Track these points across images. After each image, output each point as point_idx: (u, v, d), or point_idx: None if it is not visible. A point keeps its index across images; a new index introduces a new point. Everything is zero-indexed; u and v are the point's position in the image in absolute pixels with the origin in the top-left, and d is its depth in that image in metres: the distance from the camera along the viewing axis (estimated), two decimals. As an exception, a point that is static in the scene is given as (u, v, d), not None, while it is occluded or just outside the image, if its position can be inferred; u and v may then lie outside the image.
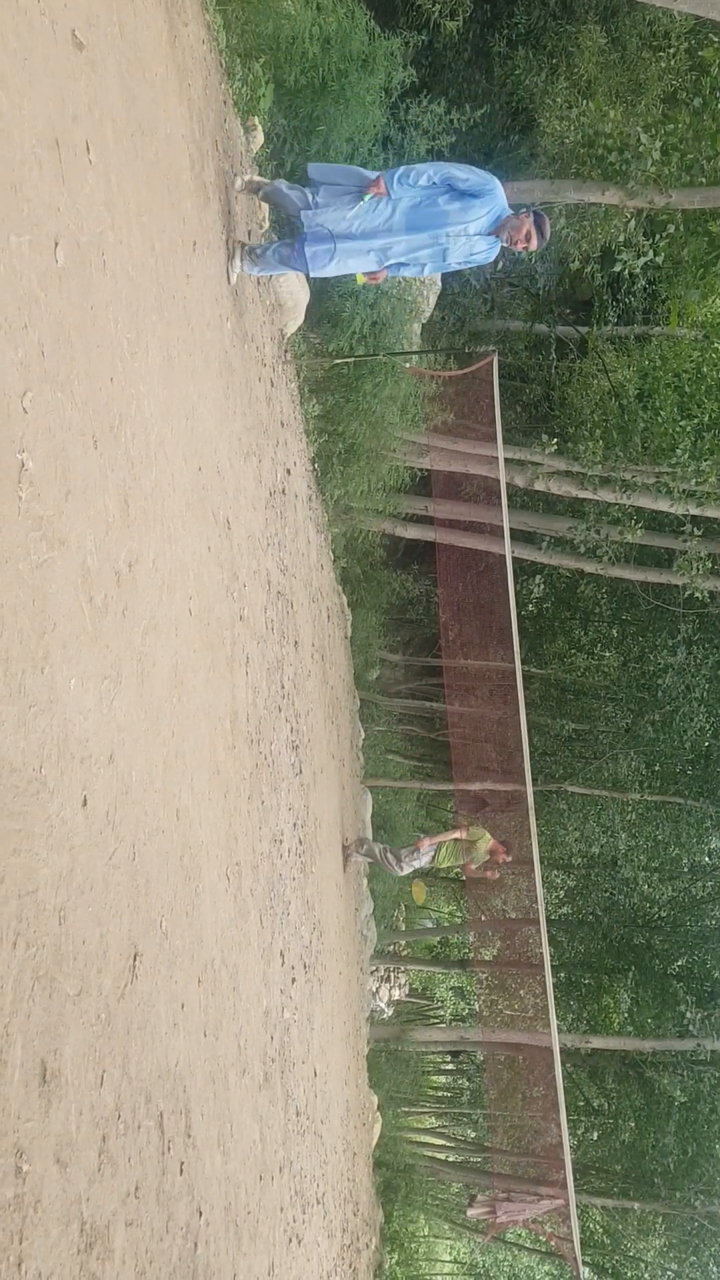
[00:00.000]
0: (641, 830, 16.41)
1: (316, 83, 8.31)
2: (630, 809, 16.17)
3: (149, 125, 4.48)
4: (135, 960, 3.42)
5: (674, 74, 11.37)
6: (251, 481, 6.82)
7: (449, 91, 11.84)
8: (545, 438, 12.33)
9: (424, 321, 13.38)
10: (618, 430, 13.16)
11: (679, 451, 12.00)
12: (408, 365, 11.32)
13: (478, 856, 11.31)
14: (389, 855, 11.72)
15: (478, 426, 12.36)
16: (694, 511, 12.30)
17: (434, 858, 11.60)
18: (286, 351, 9.22)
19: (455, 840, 11.59)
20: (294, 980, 6.92)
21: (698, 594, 12.95)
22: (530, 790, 11.68)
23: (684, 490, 12.20)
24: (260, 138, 7.59)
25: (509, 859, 11.51)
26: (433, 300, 13.60)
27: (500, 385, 11.29)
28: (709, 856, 16.81)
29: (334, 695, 12.12)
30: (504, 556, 11.57)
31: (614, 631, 16.97)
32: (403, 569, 18.17)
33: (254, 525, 6.79)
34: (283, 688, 7.55)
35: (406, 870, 11.85)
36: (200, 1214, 4.06)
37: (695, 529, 12.40)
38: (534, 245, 5.57)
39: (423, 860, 11.64)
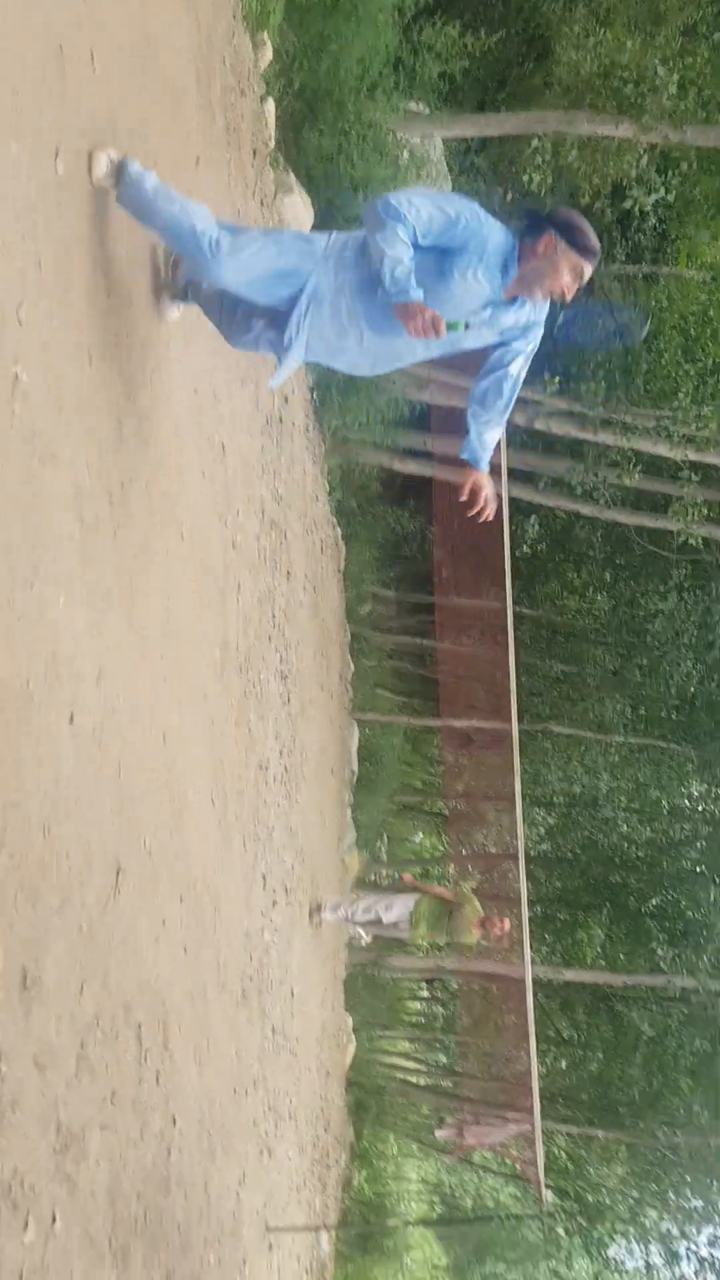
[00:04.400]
0: (623, 772, 16.59)
1: (329, -1, 8.08)
2: (613, 751, 16.33)
3: (154, 37, 4.37)
4: (118, 876, 3.48)
5: (695, 5, 11.05)
6: (248, 406, 6.77)
7: (464, 15, 11.50)
8: (547, 376, 12.20)
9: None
10: (620, 371, 13.03)
11: (680, 395, 11.90)
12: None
13: (462, 932, 9.99)
14: (362, 917, 10.40)
15: (479, 360, 12.21)
16: (692, 457, 12.24)
17: (411, 922, 10.19)
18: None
19: (438, 897, 10.33)
20: (275, 904, 7.04)
21: (692, 540, 12.94)
22: (516, 729, 11.78)
23: (684, 435, 12.12)
24: (269, 55, 7.39)
25: (504, 931, 10.11)
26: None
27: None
28: (688, 800, 17.04)
29: (325, 628, 12.15)
30: (500, 495, 11.54)
31: (606, 575, 16.97)
32: (399, 505, 18.09)
33: (249, 452, 6.75)
34: (274, 617, 7.57)
35: (371, 934, 10.70)
36: (175, 1123, 4.18)
37: (693, 475, 12.35)
38: (586, 275, 3.39)
39: (397, 920, 10.26)
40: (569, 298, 3.34)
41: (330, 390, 10.76)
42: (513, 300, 3.46)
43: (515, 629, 11.88)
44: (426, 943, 10.12)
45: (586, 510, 13.98)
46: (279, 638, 7.79)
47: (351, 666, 15.74)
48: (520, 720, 12.70)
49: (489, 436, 3.72)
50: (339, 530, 14.49)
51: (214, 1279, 4.77)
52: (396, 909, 10.28)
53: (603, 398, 12.11)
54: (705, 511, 12.67)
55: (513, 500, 13.22)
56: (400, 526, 18.03)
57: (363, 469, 13.64)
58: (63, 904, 2.96)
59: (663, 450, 12.39)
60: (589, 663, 17.19)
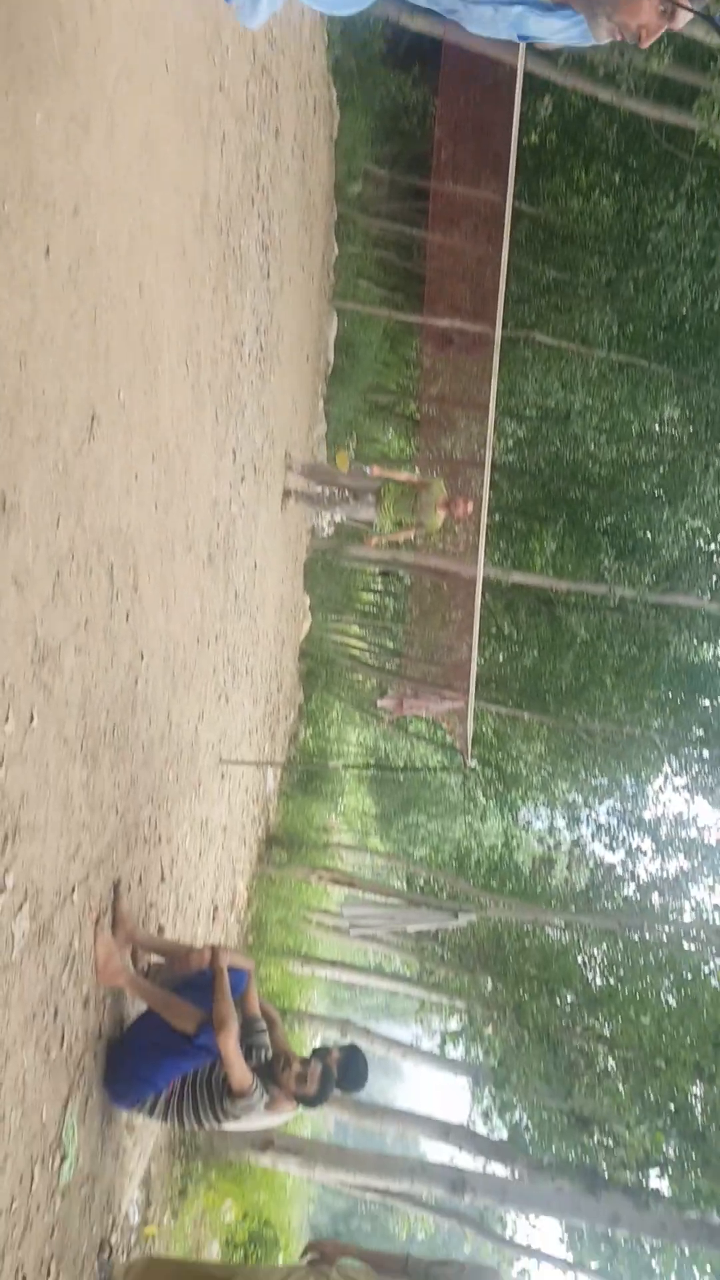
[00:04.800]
0: (599, 390, 16.45)
1: None
2: (593, 366, 16.08)
3: None
4: (93, 422, 3.56)
5: None
6: None
7: None
8: None
9: None
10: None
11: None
12: None
13: (428, 512, 9.97)
14: (330, 499, 10.43)
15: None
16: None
17: (377, 506, 10.14)
18: None
19: (404, 482, 10.26)
20: (243, 479, 7.22)
21: (712, 142, 11.99)
22: (499, 334, 11.50)
23: (725, 14, 10.87)
24: None
25: (467, 513, 10.20)
26: None
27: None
28: (659, 424, 17.07)
29: (311, 201, 11.43)
30: (515, 69, 10.44)
31: (616, 176, 15.79)
32: (402, 69, 16.32)
33: (243, -24, 6.01)
34: (258, 178, 7.11)
35: (337, 518, 10.67)
36: (142, 658, 4.57)
37: (725, 64, 11.23)
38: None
39: (366, 505, 10.24)
40: (644, 44, 2.13)
41: None
42: (555, 7, 2.23)
43: (512, 227, 11.23)
44: (392, 523, 10.11)
45: (606, 96, 12.77)
46: (262, 203, 7.37)
47: (336, 250, 14.98)
48: (504, 325, 12.37)
49: None
50: (335, 92, 13.21)
51: (172, 792, 5.44)
52: (368, 506, 10.35)
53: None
54: (730, 111, 11.65)
55: (527, 76, 11.99)
56: (401, 95, 16.40)
57: (367, 21, 12.19)
58: (39, 438, 3.05)
59: (698, 33, 11.15)
60: (582, 271, 16.45)
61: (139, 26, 3.76)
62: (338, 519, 10.78)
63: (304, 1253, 4.90)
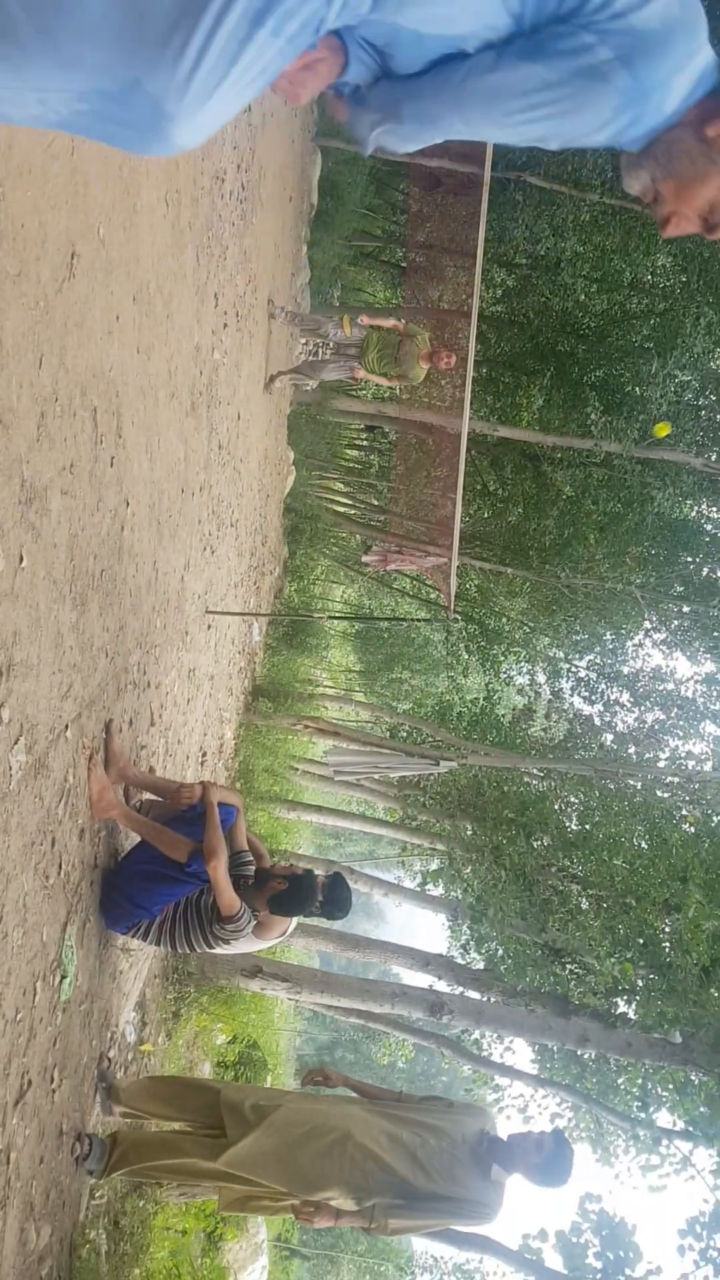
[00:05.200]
0: (591, 237, 15.98)
1: None
2: (585, 210, 15.60)
3: None
4: (73, 259, 3.50)
5: None
6: None
7: None
8: None
9: None
10: None
11: None
12: None
13: (410, 363, 9.89)
14: (317, 355, 10.33)
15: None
16: None
17: (361, 360, 10.12)
18: None
19: (391, 329, 10.14)
20: (226, 325, 7.09)
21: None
22: (488, 174, 11.13)
23: None
24: None
25: (452, 364, 10.15)
26: None
27: None
28: (650, 274, 16.65)
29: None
30: None
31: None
32: None
33: None
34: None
35: (328, 376, 10.55)
36: (127, 505, 4.60)
37: None
38: None
39: (345, 366, 10.24)
40: (669, 232, 1.72)
41: None
42: None
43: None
44: (376, 370, 10.05)
45: None
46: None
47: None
48: (494, 165, 11.94)
49: None
50: None
51: (159, 639, 5.55)
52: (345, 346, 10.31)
53: None
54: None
55: None
56: None
57: None
58: (19, 274, 3.02)
59: None
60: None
61: None
62: (316, 382, 10.69)
63: (305, 1080, 5.24)
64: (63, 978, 4.01)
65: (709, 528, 17.57)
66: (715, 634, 16.12)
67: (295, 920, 5.09)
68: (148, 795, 4.99)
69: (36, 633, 3.42)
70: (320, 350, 10.48)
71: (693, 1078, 9.01)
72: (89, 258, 3.67)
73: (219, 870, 4.42)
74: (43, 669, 3.51)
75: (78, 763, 4.05)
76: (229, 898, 4.48)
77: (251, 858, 5.00)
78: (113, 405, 4.19)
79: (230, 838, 4.84)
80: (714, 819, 12.76)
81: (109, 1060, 4.90)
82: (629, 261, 16.01)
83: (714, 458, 15.86)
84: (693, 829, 12.58)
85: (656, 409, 15.13)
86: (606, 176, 15.21)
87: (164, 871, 4.55)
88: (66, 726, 3.85)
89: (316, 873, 4.94)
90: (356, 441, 22.64)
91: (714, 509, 17.42)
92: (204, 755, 7.41)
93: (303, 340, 10.54)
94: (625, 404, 15.46)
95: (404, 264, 20.56)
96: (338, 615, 20.01)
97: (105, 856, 4.57)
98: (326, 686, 22.64)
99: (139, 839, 4.65)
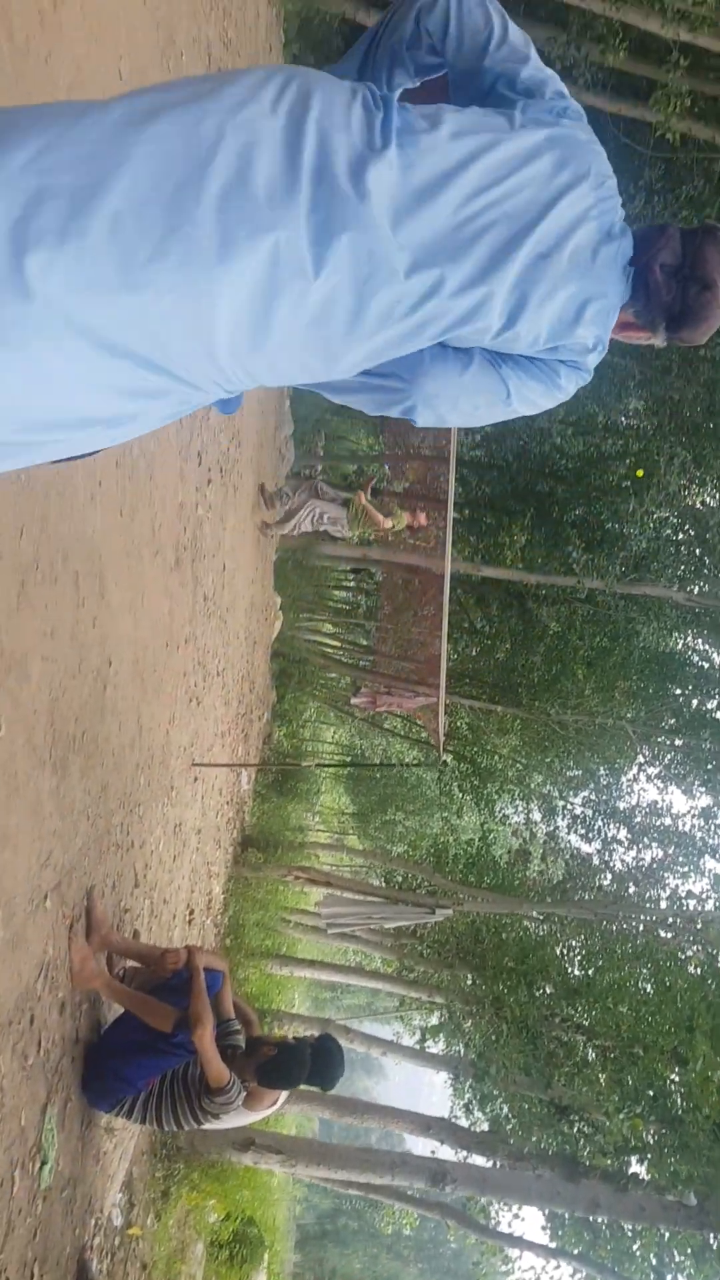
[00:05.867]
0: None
1: None
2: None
3: None
4: (54, 431, 3.56)
5: None
6: None
7: None
8: None
9: None
10: None
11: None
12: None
13: (390, 509, 11.25)
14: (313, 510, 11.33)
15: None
16: (685, 37, 11.12)
17: (349, 521, 11.28)
18: None
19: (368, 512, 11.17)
20: (210, 481, 7.23)
21: (669, 136, 12.07)
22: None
23: (678, 10, 10.94)
24: None
25: (424, 522, 11.61)
26: None
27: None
28: (624, 416, 17.20)
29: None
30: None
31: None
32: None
33: (196, -21, 6.02)
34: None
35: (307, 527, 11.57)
36: (110, 664, 4.59)
37: (682, 58, 11.28)
38: None
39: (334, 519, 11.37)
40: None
41: None
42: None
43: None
44: (360, 534, 11.12)
45: (563, 89, 12.77)
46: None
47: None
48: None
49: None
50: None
51: (143, 797, 5.46)
52: (333, 512, 11.20)
53: None
54: (689, 103, 11.73)
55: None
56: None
57: (324, 19, 12.19)
58: None
59: (654, 26, 11.22)
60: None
61: (91, 32, 3.77)
62: (311, 526, 11.38)
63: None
64: (43, 1164, 3.79)
65: (695, 659, 17.68)
66: (709, 766, 16.03)
67: (286, 1091, 4.87)
68: (131, 962, 4.82)
69: (15, 802, 3.35)
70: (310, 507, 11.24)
71: (711, 1241, 8.52)
72: (70, 428, 3.73)
73: (205, 1040, 4.24)
74: (21, 838, 3.43)
75: (57, 933, 3.92)
76: (217, 1069, 4.29)
77: (239, 1025, 4.81)
78: (95, 567, 4.21)
79: (217, 1004, 4.66)
80: (718, 958, 12.43)
81: (92, 1251, 4.60)
82: (602, 405, 16.53)
83: (696, 591, 16.07)
84: (698, 970, 12.24)
85: (636, 546, 15.40)
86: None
87: (148, 1043, 4.37)
88: (46, 896, 3.74)
89: (310, 1034, 4.74)
90: (344, 582, 22.90)
91: (699, 641, 17.57)
92: (191, 913, 7.22)
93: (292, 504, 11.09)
94: (606, 541, 15.74)
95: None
96: (327, 764, 19.86)
97: (87, 1030, 4.39)
98: (319, 831, 22.31)
99: (122, 1010, 4.47)
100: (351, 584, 22.41)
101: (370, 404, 1.79)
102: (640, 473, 11.48)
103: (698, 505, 16.89)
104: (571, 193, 1.67)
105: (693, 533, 16.77)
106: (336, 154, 1.47)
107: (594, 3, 11.29)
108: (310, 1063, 4.63)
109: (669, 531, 16.56)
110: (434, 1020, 13.27)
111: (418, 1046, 12.91)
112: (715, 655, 17.37)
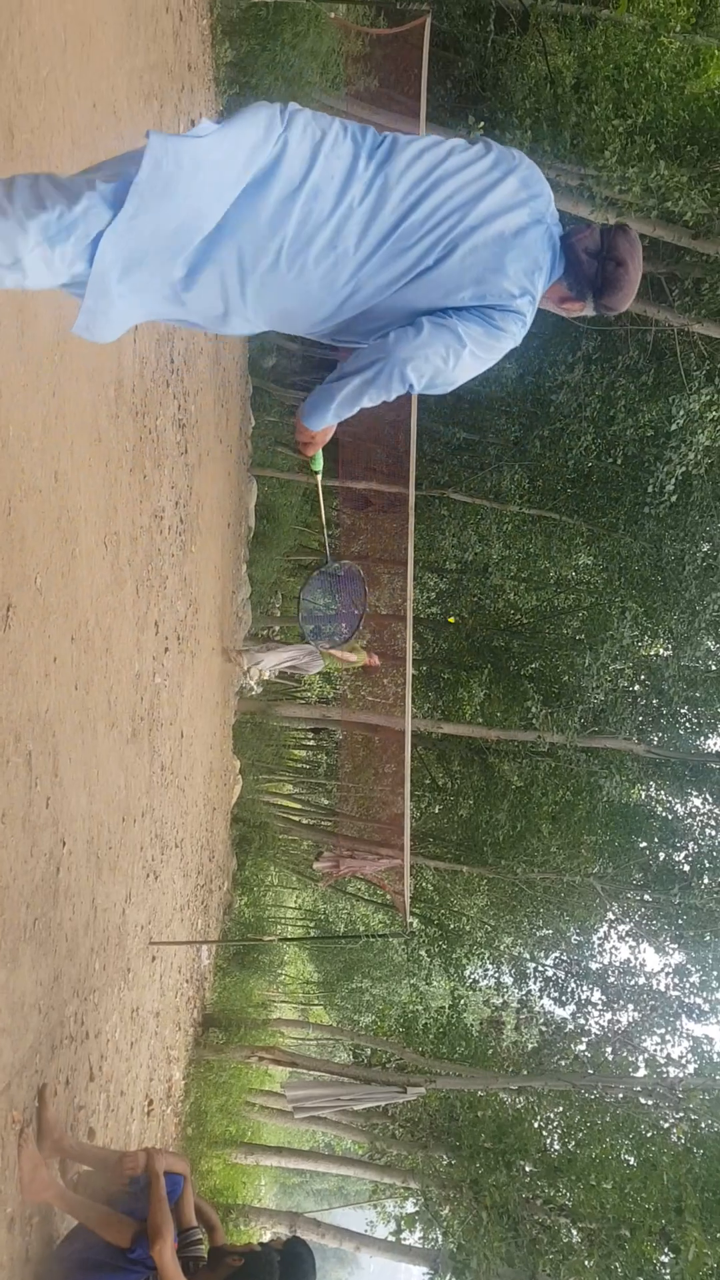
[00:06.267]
0: (515, 541, 16.95)
1: None
2: (507, 520, 16.61)
3: None
4: (8, 611, 3.53)
5: None
6: (151, 128, 6.30)
7: None
8: (472, 120, 11.53)
9: (356, -35, 12.00)
10: (548, 122, 12.36)
11: (607, 154, 11.41)
12: (333, 15, 10.27)
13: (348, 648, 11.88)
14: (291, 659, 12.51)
15: (402, 99, 11.44)
16: (613, 221, 11.91)
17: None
18: (199, -21, 8.25)
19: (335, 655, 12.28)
20: (167, 650, 7.19)
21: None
22: (413, 494, 11.85)
23: (606, 198, 11.73)
24: None
25: (377, 663, 12.31)
26: (367, -61, 12.15)
27: (431, 54, 10.37)
28: (574, 571, 17.60)
29: (226, 378, 11.82)
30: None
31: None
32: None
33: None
34: (172, 361, 7.34)
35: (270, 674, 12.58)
36: (64, 844, 4.43)
37: (611, 241, 12.05)
38: None
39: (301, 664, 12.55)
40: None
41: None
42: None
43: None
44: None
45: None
46: (177, 384, 7.59)
47: (252, 421, 15.45)
48: (419, 486, 12.77)
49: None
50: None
51: (98, 983, 5.20)
52: (299, 657, 12.32)
53: (527, 149, 11.53)
54: (620, 281, 12.45)
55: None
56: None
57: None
58: (-48, 633, 3.01)
59: (583, 212, 12.00)
60: (491, 432, 17.17)
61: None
62: (260, 688, 12.21)
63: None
64: None
65: (659, 810, 17.59)
66: (679, 921, 15.74)
67: None
68: (86, 1166, 4.49)
69: (-40, 1001, 3.15)
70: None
71: None
72: (25, 607, 3.70)
73: (165, 1254, 3.91)
74: (-34, 1041, 3.22)
75: (6, 1141, 3.65)
76: (178, 1289, 3.94)
77: (202, 1234, 4.46)
78: (49, 746, 4.11)
79: (178, 1212, 4.33)
80: (701, 1125, 11.90)
81: None
82: (553, 561, 16.91)
83: (655, 741, 16.12)
84: (680, 1140, 11.71)
85: (594, 699, 15.51)
86: (524, 489, 16.32)
87: (105, 1260, 4.02)
88: (-7, 1102, 3.49)
89: (278, 1237, 4.41)
90: (304, 742, 22.76)
91: (662, 792, 17.52)
92: (150, 1104, 6.81)
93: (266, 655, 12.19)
94: (564, 695, 15.84)
95: (339, 572, 21.54)
96: (290, 939, 19.31)
97: (39, 1246, 4.04)
98: (283, 1003, 21.46)
99: (76, 1222, 4.13)
100: (311, 743, 22.28)
101: (373, 390, 2.45)
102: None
103: (651, 656, 17.14)
104: (501, 186, 2.41)
105: (649, 683, 16.94)
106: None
107: (525, 194, 12.05)
108: (279, 1272, 4.29)
109: (625, 683, 16.72)
110: (409, 1207, 12.49)
111: (393, 1238, 12.09)
112: (678, 806, 17.28)
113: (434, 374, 2.43)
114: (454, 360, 2.42)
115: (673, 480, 12.98)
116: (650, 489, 13.39)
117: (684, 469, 12.89)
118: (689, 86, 12.47)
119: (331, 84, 10.88)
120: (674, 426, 12.61)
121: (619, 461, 14.84)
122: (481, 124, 11.54)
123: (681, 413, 12.45)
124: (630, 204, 11.55)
